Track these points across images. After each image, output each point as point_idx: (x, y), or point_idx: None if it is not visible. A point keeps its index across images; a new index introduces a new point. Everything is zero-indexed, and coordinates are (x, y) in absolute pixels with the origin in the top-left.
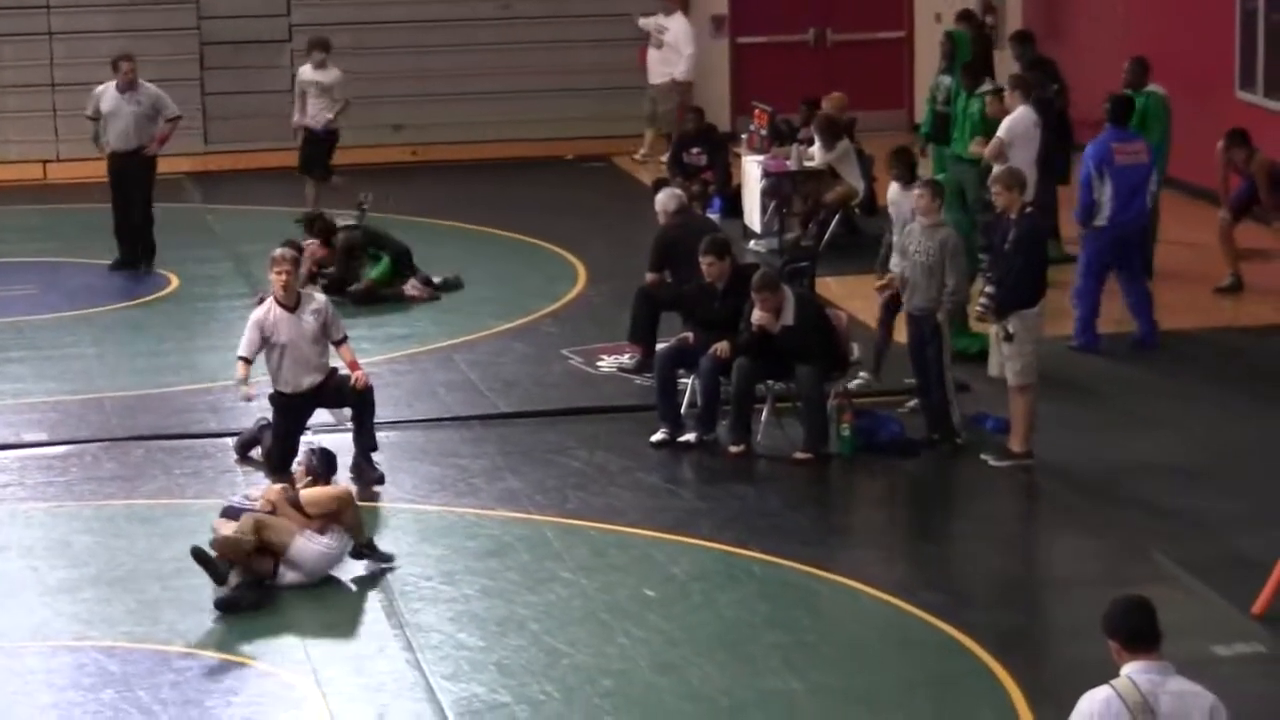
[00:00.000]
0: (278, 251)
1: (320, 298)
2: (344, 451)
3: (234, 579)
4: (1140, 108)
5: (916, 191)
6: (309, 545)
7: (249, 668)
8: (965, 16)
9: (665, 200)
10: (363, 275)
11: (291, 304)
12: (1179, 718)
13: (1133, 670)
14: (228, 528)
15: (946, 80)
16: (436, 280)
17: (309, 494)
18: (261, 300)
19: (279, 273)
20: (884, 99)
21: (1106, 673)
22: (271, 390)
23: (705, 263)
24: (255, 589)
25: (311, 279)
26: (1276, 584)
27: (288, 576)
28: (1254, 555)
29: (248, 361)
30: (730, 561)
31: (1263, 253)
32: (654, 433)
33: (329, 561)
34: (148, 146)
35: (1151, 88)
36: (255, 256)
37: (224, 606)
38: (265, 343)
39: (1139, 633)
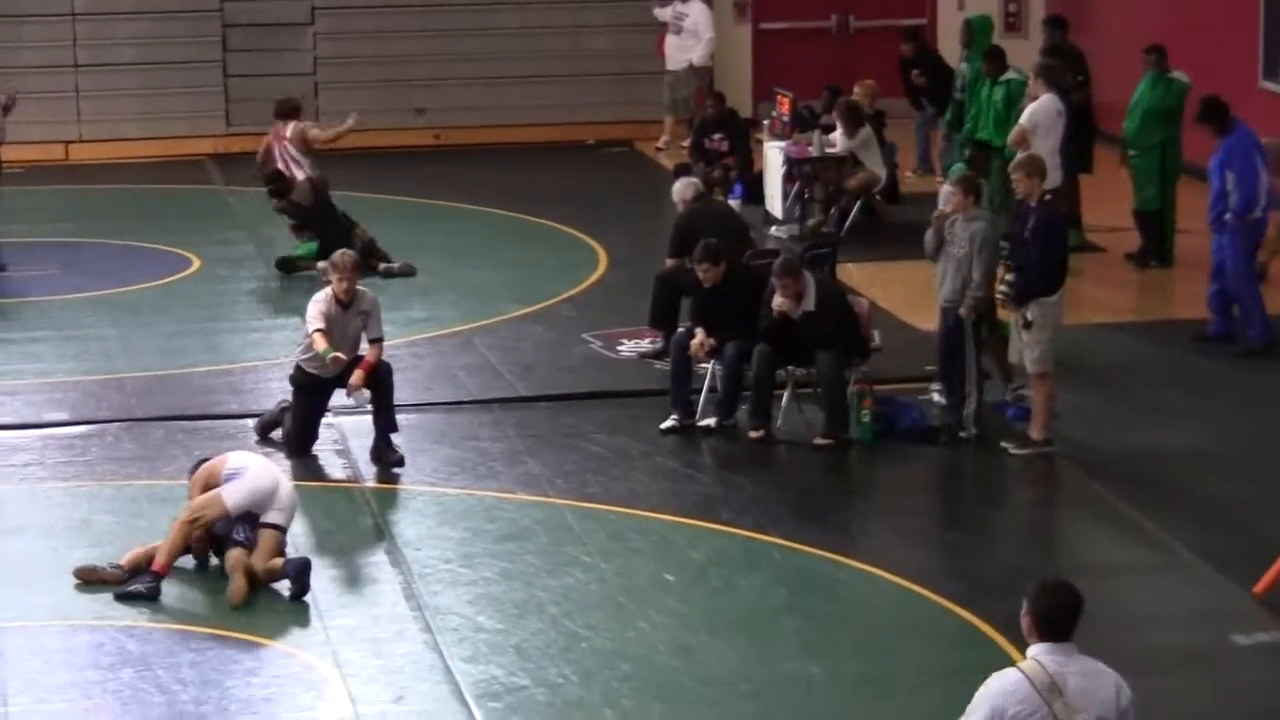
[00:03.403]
0: (336, 258)
1: (371, 297)
2: (365, 434)
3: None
4: (1177, 89)
5: (950, 189)
6: (236, 485)
7: (268, 648)
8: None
9: (682, 189)
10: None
11: (348, 301)
12: (1085, 696)
13: (1038, 652)
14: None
15: (964, 68)
16: (382, 268)
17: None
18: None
19: (340, 279)
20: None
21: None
22: (293, 371)
23: (700, 270)
24: (306, 570)
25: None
26: None
27: (272, 517)
28: (1276, 544)
29: (325, 332)
30: (749, 546)
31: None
32: (665, 419)
33: (266, 468)
34: None
35: (1174, 74)
36: (276, 239)
37: (298, 598)
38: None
39: (1058, 623)
